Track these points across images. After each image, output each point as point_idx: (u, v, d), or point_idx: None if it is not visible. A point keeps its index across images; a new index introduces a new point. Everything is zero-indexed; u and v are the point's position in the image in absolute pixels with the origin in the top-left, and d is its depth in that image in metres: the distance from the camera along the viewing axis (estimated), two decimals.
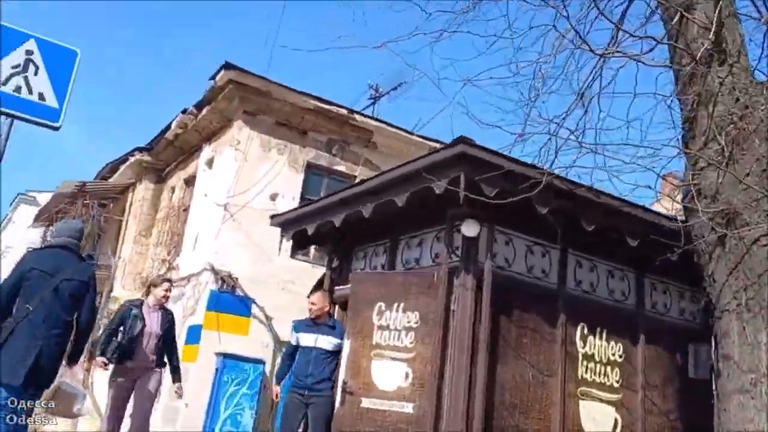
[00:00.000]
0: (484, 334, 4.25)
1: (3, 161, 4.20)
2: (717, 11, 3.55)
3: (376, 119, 10.25)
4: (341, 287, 5.73)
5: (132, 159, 12.47)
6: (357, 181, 10.32)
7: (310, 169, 10.10)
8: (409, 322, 4.64)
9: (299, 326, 5.52)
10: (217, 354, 8.80)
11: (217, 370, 8.70)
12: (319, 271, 9.90)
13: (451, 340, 4.36)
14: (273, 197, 9.70)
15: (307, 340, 5.32)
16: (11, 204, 34.63)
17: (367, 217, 4.92)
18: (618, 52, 4.28)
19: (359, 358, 4.82)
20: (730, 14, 3.81)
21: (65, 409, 4.69)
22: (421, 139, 10.39)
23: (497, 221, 4.45)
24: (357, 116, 10.11)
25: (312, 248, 10.06)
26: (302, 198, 9.95)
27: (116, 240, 13.17)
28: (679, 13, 4.00)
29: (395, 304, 4.72)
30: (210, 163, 10.59)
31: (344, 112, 10.01)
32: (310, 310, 5.37)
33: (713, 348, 5.78)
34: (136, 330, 5.13)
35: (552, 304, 4.73)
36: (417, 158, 4.21)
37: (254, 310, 9.26)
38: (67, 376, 5.14)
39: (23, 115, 4.18)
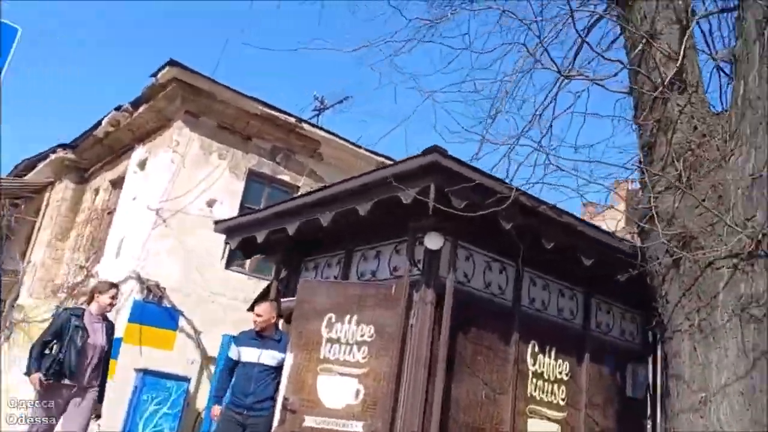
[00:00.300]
0: (443, 351, 4.12)
1: None
2: (684, 41, 3.70)
3: (325, 130, 10.06)
4: (289, 299, 5.44)
5: (53, 156, 11.53)
6: (303, 191, 10.04)
7: (252, 176, 9.73)
8: (362, 335, 4.43)
9: (242, 339, 5.13)
10: (137, 370, 8.14)
11: (135, 387, 8.05)
12: (254, 283, 9.51)
13: (408, 356, 4.20)
14: (210, 203, 9.23)
15: (250, 355, 4.93)
16: None
17: (324, 227, 4.71)
18: (580, 74, 4.40)
19: (303, 373, 4.55)
20: (691, 46, 3.99)
21: None
22: (369, 153, 10.30)
23: (460, 235, 4.37)
24: (305, 125, 9.88)
25: (247, 260, 9.67)
26: (242, 206, 9.54)
27: (27, 243, 12.06)
28: (643, 41, 4.16)
29: (348, 316, 4.51)
30: (142, 164, 9.96)
31: (292, 120, 9.75)
32: (255, 321, 5.00)
33: (650, 368, 6.03)
34: (79, 343, 4.57)
35: (507, 322, 4.70)
36: (385, 166, 4.10)
37: (182, 323, 8.69)
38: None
39: None
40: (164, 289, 8.60)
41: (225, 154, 9.48)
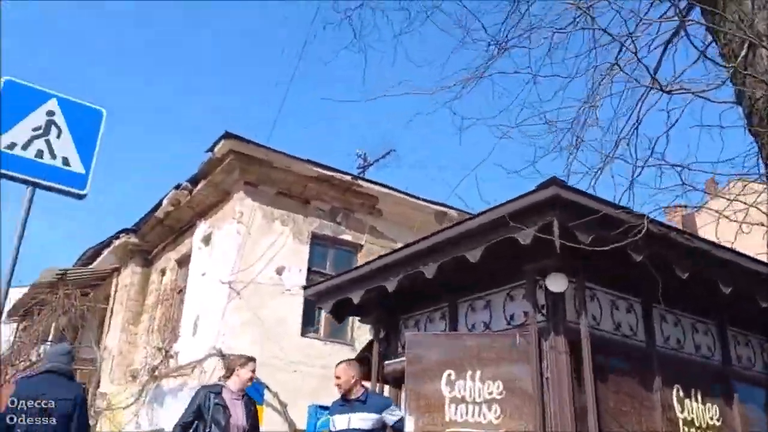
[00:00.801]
0: (591, 404, 3.71)
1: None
2: None
3: (381, 184, 9.93)
4: (392, 361, 5.13)
5: (117, 242, 11.72)
6: (366, 250, 9.85)
7: (315, 239, 9.60)
8: (490, 393, 4.07)
9: (333, 408, 4.76)
10: None
11: None
12: (330, 348, 9.23)
13: (549, 413, 3.80)
14: (279, 271, 9.10)
15: (341, 422, 4.54)
16: None
17: (426, 279, 4.43)
18: (683, 88, 4.12)
19: None
20: None
21: None
22: (427, 204, 10.11)
23: (584, 274, 4.03)
24: (361, 182, 9.78)
25: (321, 326, 9.42)
26: (309, 270, 9.39)
27: (100, 330, 12.13)
28: (747, 46, 3.88)
29: (469, 372, 4.16)
30: (207, 239, 9.98)
31: (347, 178, 9.68)
32: (338, 386, 4.66)
33: None
34: (222, 422, 4.10)
35: (645, 365, 4.26)
36: (496, 206, 3.81)
37: (267, 396, 8.41)
38: None
39: (46, 183, 3.61)
40: None
41: (287, 220, 9.42)
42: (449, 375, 4.22)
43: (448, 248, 4.22)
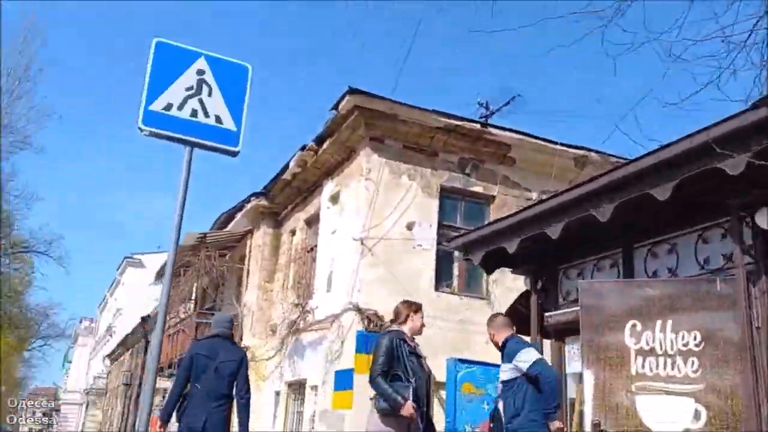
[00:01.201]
0: None
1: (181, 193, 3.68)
2: None
3: (514, 130, 9.42)
4: (554, 313, 4.82)
5: (248, 206, 12.29)
6: (498, 201, 9.47)
7: (444, 192, 9.38)
8: (686, 344, 3.65)
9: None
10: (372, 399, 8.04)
11: None
12: (466, 303, 9.08)
13: (760, 367, 3.32)
14: (410, 226, 9.02)
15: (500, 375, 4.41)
16: (118, 268, 36.39)
17: (600, 223, 4.03)
18: None
19: (613, 393, 3.86)
20: None
21: None
22: (566, 149, 9.48)
23: None
24: (492, 129, 9.34)
25: (454, 280, 9.28)
26: (440, 224, 9.23)
27: (239, 288, 12.94)
28: None
29: (658, 322, 3.76)
30: (335, 198, 10.12)
31: (477, 126, 9.29)
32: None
33: None
34: (419, 373, 3.90)
35: None
36: (695, 132, 3.30)
37: None
38: None
39: (203, 142, 3.66)
40: (382, 317, 8.48)
41: (414, 174, 9.26)
42: (634, 325, 3.85)
43: (630, 186, 3.78)
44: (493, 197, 9.57)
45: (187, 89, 3.77)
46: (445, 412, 8.37)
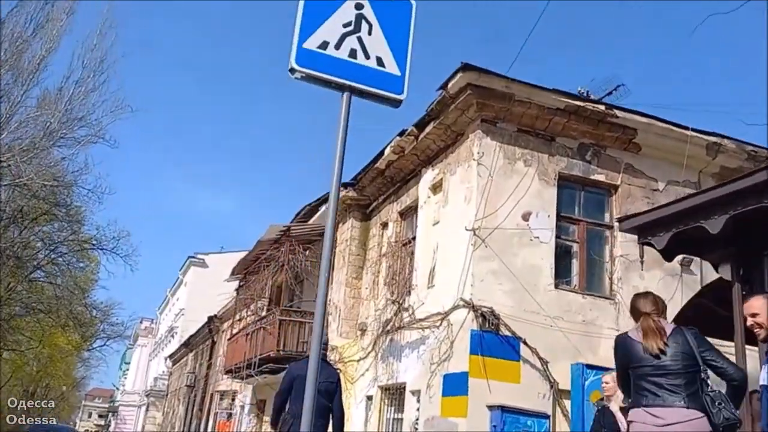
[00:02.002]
0: None
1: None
2: None
3: (642, 113, 8.55)
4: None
5: None
6: (622, 192, 8.60)
7: (563, 181, 8.58)
8: None
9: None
10: (491, 407, 7.30)
11: (494, 426, 7.19)
12: (590, 302, 8.21)
13: None
14: (525, 216, 8.26)
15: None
16: (181, 268, 37.02)
17: None
18: None
19: None
20: None
21: None
22: (697, 134, 8.54)
23: None
24: (617, 111, 8.50)
25: (574, 277, 8.44)
26: (558, 215, 8.43)
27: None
28: None
29: None
30: (436, 187, 9.48)
31: (601, 108, 8.47)
32: (756, 326, 3.50)
33: None
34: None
35: None
36: None
37: (523, 352, 7.70)
38: None
39: (364, 87, 3.04)
40: (499, 315, 7.74)
41: (530, 159, 8.51)
42: None
43: None
44: (616, 186, 8.70)
45: (345, 25, 3.16)
46: (571, 423, 7.54)
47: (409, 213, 10.39)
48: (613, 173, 8.73)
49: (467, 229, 8.08)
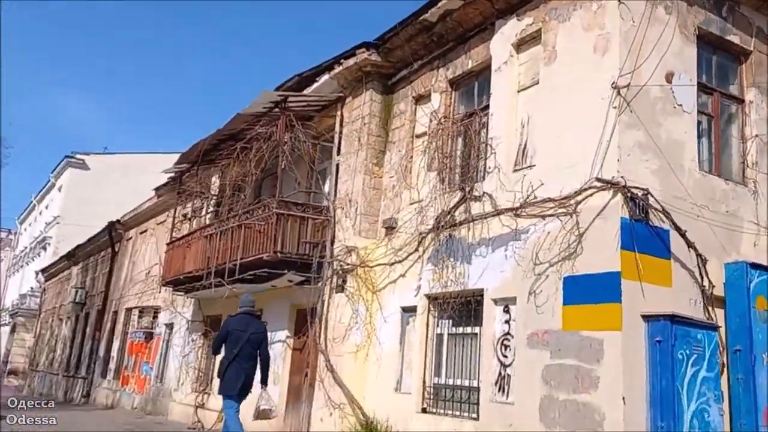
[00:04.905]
0: None
1: None
2: None
3: None
4: None
5: (346, 63, 8.74)
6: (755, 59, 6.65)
7: (699, 39, 6.51)
8: None
9: None
10: (651, 317, 5.35)
11: (658, 343, 5.26)
12: (733, 189, 6.41)
13: None
14: (669, 77, 6.06)
15: None
16: (53, 170, 30.15)
17: None
18: None
19: None
20: None
21: (264, 415, 6.81)
22: None
23: None
24: None
25: (712, 158, 6.56)
26: (699, 82, 6.41)
27: (318, 173, 9.48)
28: None
29: None
30: (527, 41, 6.92)
31: None
32: None
33: None
34: None
35: None
36: None
37: (674, 246, 5.77)
38: (262, 395, 6.74)
39: None
40: (648, 200, 5.65)
41: (670, 6, 6.27)
42: None
43: None
44: (748, 53, 6.85)
45: None
46: (728, 335, 5.87)
47: (468, 80, 7.75)
48: (746, 36, 6.84)
49: (613, 87, 5.73)
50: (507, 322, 6.44)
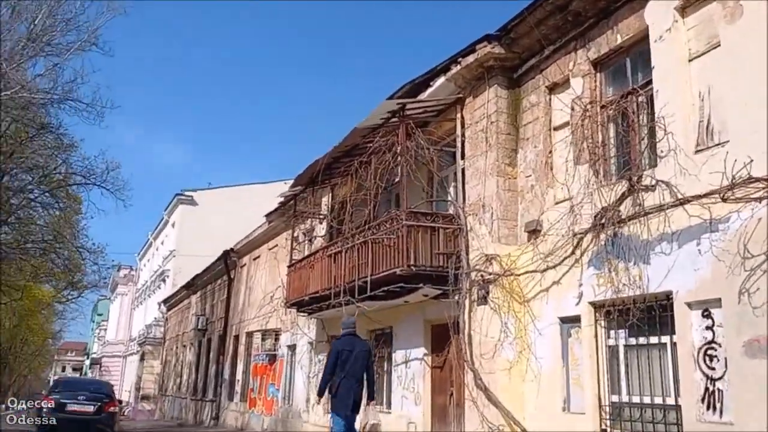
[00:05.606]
0: None
1: None
2: None
3: None
4: None
5: (465, 60, 8.01)
6: None
7: None
8: None
9: None
10: None
11: None
12: None
13: None
14: None
15: None
16: (166, 208, 31.94)
17: None
18: None
19: None
20: None
21: (373, 429, 8.30)
22: None
23: None
24: None
25: None
26: None
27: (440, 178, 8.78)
28: None
29: None
30: (690, 3, 5.86)
31: None
32: None
33: None
34: None
35: None
36: None
37: None
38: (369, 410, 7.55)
39: None
40: None
41: None
42: None
43: None
44: None
45: None
46: None
47: (617, 58, 6.74)
48: None
49: None
50: (709, 328, 5.32)
